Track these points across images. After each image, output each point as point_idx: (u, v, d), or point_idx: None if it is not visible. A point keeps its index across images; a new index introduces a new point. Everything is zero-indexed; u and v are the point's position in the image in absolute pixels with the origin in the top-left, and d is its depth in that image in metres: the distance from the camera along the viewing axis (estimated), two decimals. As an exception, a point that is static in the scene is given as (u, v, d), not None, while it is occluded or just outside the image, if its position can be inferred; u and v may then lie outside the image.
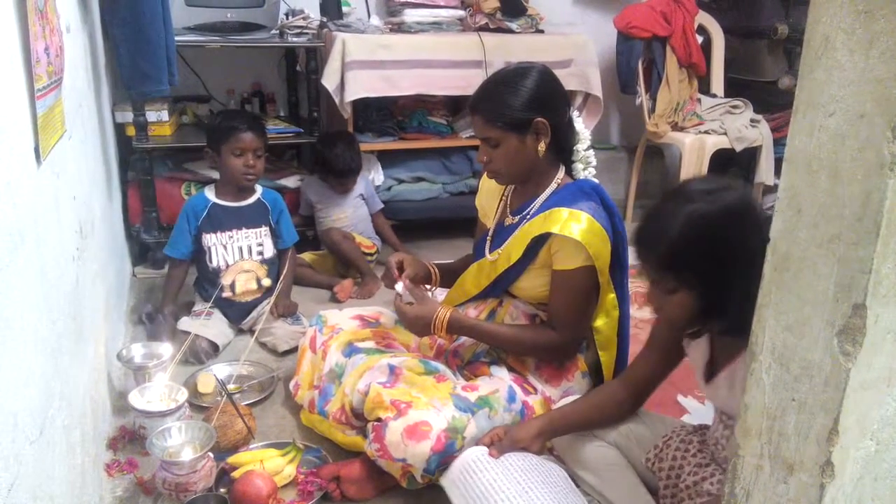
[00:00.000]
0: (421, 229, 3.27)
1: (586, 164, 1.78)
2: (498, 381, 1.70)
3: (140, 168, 2.72)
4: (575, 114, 1.75)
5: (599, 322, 1.77)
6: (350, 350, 1.82)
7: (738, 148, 3.28)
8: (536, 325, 1.74)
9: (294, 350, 2.18)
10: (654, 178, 3.88)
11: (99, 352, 1.77)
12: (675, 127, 3.38)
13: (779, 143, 3.47)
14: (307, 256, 2.89)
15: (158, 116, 2.75)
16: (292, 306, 2.38)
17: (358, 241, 2.87)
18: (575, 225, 1.60)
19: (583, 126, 1.77)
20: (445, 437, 1.50)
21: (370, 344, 1.84)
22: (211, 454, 1.59)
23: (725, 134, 3.29)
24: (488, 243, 1.82)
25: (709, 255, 1.20)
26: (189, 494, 1.51)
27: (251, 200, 2.40)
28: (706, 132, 3.31)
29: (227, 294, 2.33)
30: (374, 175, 3.13)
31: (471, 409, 1.57)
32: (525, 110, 1.61)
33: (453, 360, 1.81)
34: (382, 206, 3.05)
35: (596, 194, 1.68)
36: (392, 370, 1.67)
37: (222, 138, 2.30)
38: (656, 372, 1.51)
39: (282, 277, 2.37)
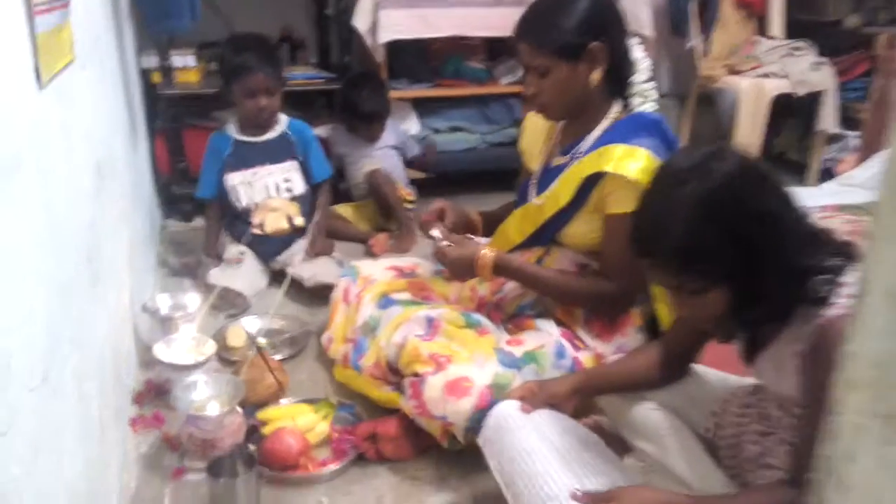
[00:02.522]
0: (458, 182, 3.11)
1: (645, 98, 1.61)
2: (545, 336, 1.56)
3: (167, 116, 2.61)
4: (634, 41, 1.57)
5: None
6: (385, 302, 1.70)
7: (801, 92, 3.04)
8: (588, 273, 1.59)
9: (328, 290, 1.99)
10: (705, 129, 3.64)
11: (122, 300, 1.68)
12: (732, 71, 3.15)
13: (844, 88, 3.23)
14: (340, 209, 2.76)
15: (184, 62, 2.64)
16: (328, 246, 2.26)
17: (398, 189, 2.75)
18: (631, 163, 1.44)
19: (642, 55, 1.59)
20: (489, 393, 1.38)
21: (406, 295, 1.72)
22: (240, 409, 1.49)
23: (786, 77, 3.05)
24: (534, 186, 1.66)
25: (729, 237, 1.02)
26: (216, 451, 1.42)
27: (275, 134, 2.27)
28: (765, 76, 3.07)
29: (256, 231, 2.22)
30: (410, 124, 2.98)
31: (516, 364, 1.45)
32: (578, 34, 1.45)
33: (496, 314, 1.68)
34: (417, 146, 2.91)
35: (657, 129, 1.51)
36: (430, 322, 1.55)
37: (231, 76, 2.17)
38: (694, 338, 1.35)
39: (315, 216, 2.25)
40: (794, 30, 3.36)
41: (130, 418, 1.60)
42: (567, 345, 1.55)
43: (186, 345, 1.68)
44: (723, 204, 1.02)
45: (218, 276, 2.10)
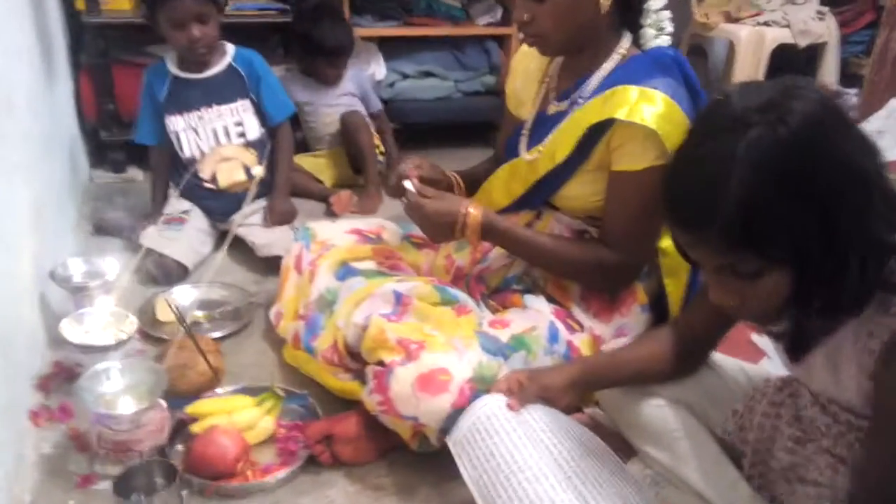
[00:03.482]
0: (428, 135, 2.82)
1: (659, 30, 1.33)
2: (535, 316, 1.31)
3: (93, 50, 2.25)
4: None
5: (666, 242, 1.36)
6: (344, 271, 1.42)
7: (802, 43, 2.80)
8: (587, 240, 1.34)
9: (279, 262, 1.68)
10: (694, 83, 3.40)
11: (22, 268, 1.38)
12: (729, 18, 2.89)
13: (846, 41, 3.00)
14: (298, 160, 2.45)
15: (112, -15, 2.26)
16: (289, 214, 1.94)
17: None
18: (648, 108, 1.17)
19: None
20: (470, 388, 1.12)
21: (370, 265, 1.45)
22: (164, 403, 1.22)
23: (787, 27, 2.80)
24: (524, 138, 1.39)
25: (805, 203, 0.76)
26: (132, 455, 1.15)
27: (220, 68, 1.92)
28: (765, 24, 2.82)
29: (209, 185, 1.91)
30: (375, 68, 2.65)
31: (503, 351, 1.20)
32: None
33: (476, 287, 1.42)
34: (381, 106, 2.58)
35: (677, 68, 1.25)
36: (399, 299, 1.28)
37: (154, 3, 1.80)
38: (718, 320, 1.09)
39: (277, 167, 1.94)
40: (794, -24, 3.11)
41: (31, 410, 1.31)
42: (560, 326, 1.30)
43: (103, 321, 1.39)
44: (804, 156, 0.76)
45: (153, 238, 1.79)
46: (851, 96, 3.17)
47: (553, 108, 1.35)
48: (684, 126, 1.18)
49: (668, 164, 0.88)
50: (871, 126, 3.06)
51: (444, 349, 1.15)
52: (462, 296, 1.35)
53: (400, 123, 2.73)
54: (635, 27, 1.32)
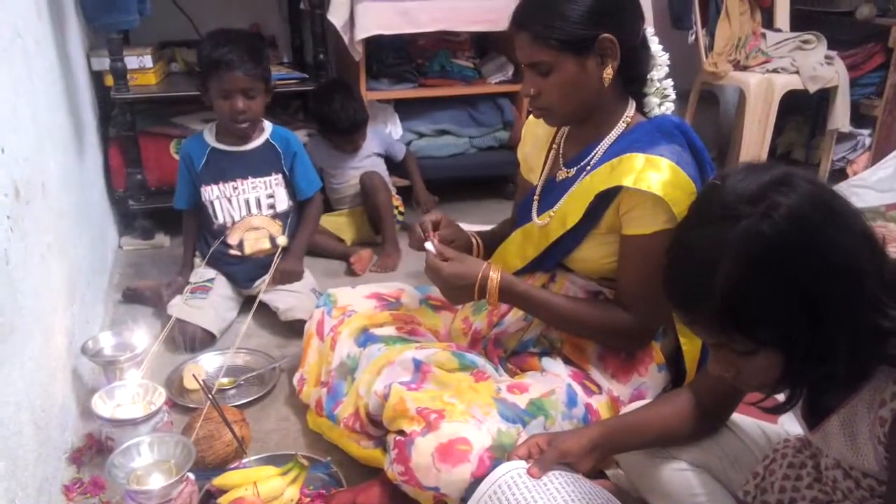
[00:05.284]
0: (445, 190, 2.87)
1: (663, 98, 1.37)
2: (553, 379, 1.33)
3: (121, 123, 2.35)
4: (649, 31, 1.35)
5: None
6: (365, 338, 1.46)
7: (812, 89, 2.83)
8: (603, 302, 1.36)
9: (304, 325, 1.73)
10: (706, 130, 3.43)
11: (56, 344, 1.43)
12: (737, 66, 2.93)
13: (856, 84, 3.03)
14: (322, 220, 2.51)
15: (141, 62, 2.37)
16: (294, 273, 1.98)
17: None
18: (654, 175, 1.21)
19: (660, 48, 1.36)
20: (490, 457, 1.14)
21: (389, 330, 1.48)
22: (191, 475, 1.25)
23: (796, 73, 2.84)
24: (535, 204, 1.43)
25: (791, 293, 0.80)
26: (162, 530, 1.18)
27: (258, 143, 2.00)
28: (774, 71, 2.86)
29: (234, 252, 1.97)
30: (391, 128, 2.73)
31: (521, 418, 1.21)
32: (588, 24, 1.21)
33: (494, 351, 1.44)
34: (404, 148, 2.66)
35: (681, 134, 1.28)
36: (418, 366, 1.31)
37: (207, 73, 1.90)
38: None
39: (299, 233, 2.01)
40: (801, 22, 3.15)
41: (64, 485, 1.35)
42: (578, 388, 1.32)
43: (132, 393, 1.43)
44: (786, 251, 0.79)
45: (180, 308, 1.85)
46: (865, 137, 3.19)
47: (562, 175, 1.39)
48: (690, 189, 1.22)
49: (669, 243, 0.92)
50: (885, 166, 3.07)
51: (464, 418, 1.17)
52: (480, 361, 1.37)
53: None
54: (639, 96, 1.36)
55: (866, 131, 3.16)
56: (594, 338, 1.38)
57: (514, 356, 1.44)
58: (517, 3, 1.29)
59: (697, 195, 1.01)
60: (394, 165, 2.66)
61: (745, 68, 2.92)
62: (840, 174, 3.19)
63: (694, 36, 2.99)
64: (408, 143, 2.79)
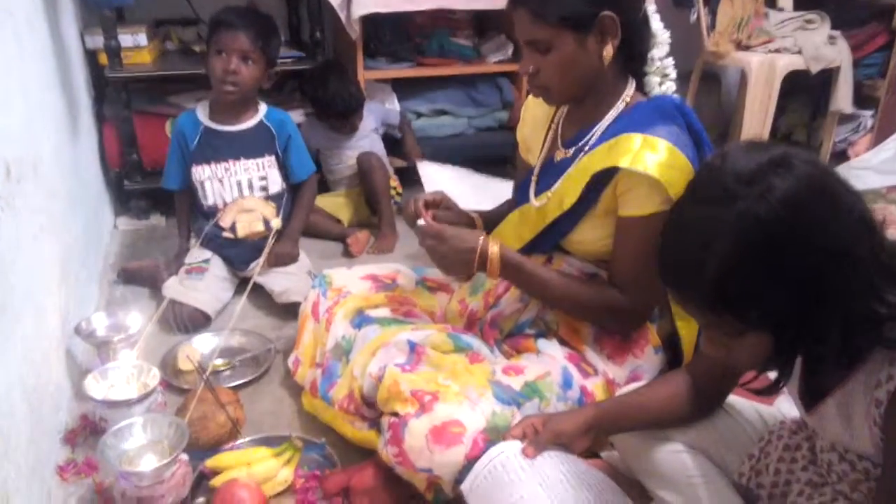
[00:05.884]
0: (443, 171, 2.86)
1: (663, 77, 1.35)
2: (548, 361, 1.32)
3: (115, 102, 2.32)
4: (651, 9, 1.32)
5: None
6: (360, 319, 1.45)
7: (815, 69, 2.79)
8: (599, 282, 1.35)
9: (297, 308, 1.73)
10: (707, 111, 3.39)
11: (49, 324, 1.42)
12: (739, 46, 2.90)
13: (859, 65, 2.99)
14: (319, 201, 2.49)
15: (135, 41, 2.34)
16: (288, 256, 1.96)
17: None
18: (650, 156, 1.19)
19: (661, 26, 1.33)
20: (483, 439, 1.13)
21: (385, 311, 1.47)
22: (185, 456, 1.24)
23: (799, 53, 2.80)
24: (533, 184, 1.42)
25: (784, 277, 0.78)
26: (155, 510, 1.18)
27: (251, 123, 1.98)
28: (776, 51, 2.82)
29: (227, 234, 1.96)
30: (389, 108, 2.70)
31: (516, 400, 1.21)
32: (588, 1, 1.19)
33: (490, 332, 1.43)
34: (398, 110, 2.67)
35: (680, 115, 1.26)
36: (413, 348, 1.31)
37: (210, 34, 1.88)
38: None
39: (293, 216, 1.99)
40: (804, 1, 3.10)
41: (58, 465, 1.34)
42: (574, 370, 1.31)
43: (126, 374, 1.42)
44: (781, 234, 0.78)
45: (175, 289, 1.84)
46: (867, 118, 3.16)
47: (560, 155, 1.38)
48: (688, 171, 1.20)
49: (665, 223, 0.90)
50: (887, 148, 3.05)
51: (458, 400, 1.17)
52: (475, 342, 1.36)
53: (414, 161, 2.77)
54: (639, 75, 1.34)
55: (868, 112, 3.12)
56: (589, 318, 1.37)
57: (509, 338, 1.43)
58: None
59: (695, 173, 0.99)
60: (392, 144, 2.64)
61: (747, 48, 2.88)
62: (841, 156, 3.17)
63: (696, 14, 2.95)
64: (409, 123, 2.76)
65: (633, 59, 1.30)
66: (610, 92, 1.31)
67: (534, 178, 1.42)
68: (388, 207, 2.41)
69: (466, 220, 1.47)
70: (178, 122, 1.97)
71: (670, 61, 1.35)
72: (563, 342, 1.38)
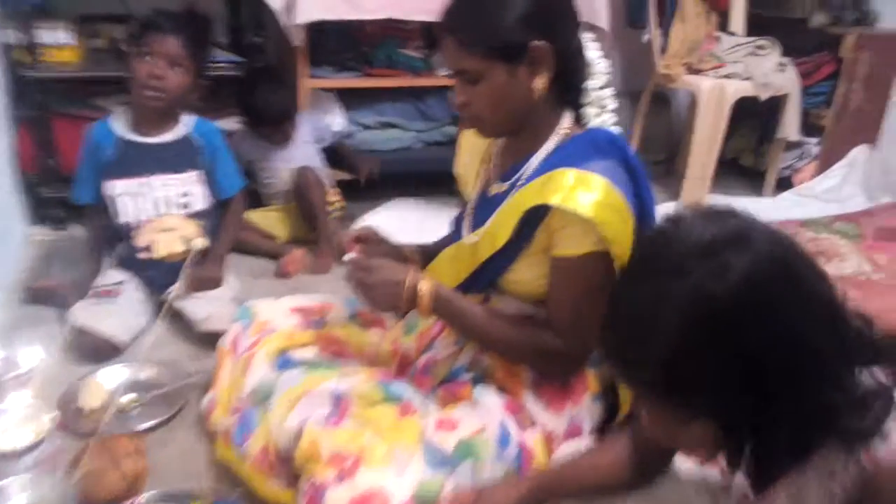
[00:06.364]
0: (389, 186, 2.75)
1: (601, 109, 1.29)
2: (485, 413, 1.23)
3: (32, 102, 2.14)
4: (588, 37, 1.26)
5: None
6: (283, 361, 1.33)
7: (764, 96, 2.79)
8: (534, 323, 1.26)
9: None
10: (657, 132, 3.37)
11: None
12: (691, 69, 2.88)
13: (806, 93, 3.01)
14: (251, 215, 2.36)
15: (56, 38, 2.17)
16: (211, 280, 1.82)
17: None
18: (584, 194, 1.12)
19: (598, 55, 1.27)
20: (410, 509, 1.03)
21: (311, 352, 1.36)
22: (74, 518, 1.11)
23: (749, 79, 2.79)
24: (468, 220, 1.33)
25: (732, 362, 0.71)
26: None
27: (174, 136, 1.83)
28: (727, 76, 2.81)
29: (144, 255, 1.80)
30: (333, 119, 2.58)
31: (448, 463, 1.11)
32: (518, 29, 1.13)
33: (423, 379, 1.34)
34: (337, 130, 2.56)
35: (615, 149, 1.20)
36: (337, 400, 1.20)
37: (137, 36, 1.74)
38: None
39: (220, 236, 1.86)
40: (756, 27, 3.10)
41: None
42: (512, 425, 1.22)
43: (18, 417, 1.27)
44: (736, 317, 0.70)
45: (82, 314, 1.68)
46: (812, 146, 3.18)
47: (494, 189, 1.30)
48: (622, 210, 1.14)
49: (610, 294, 0.82)
50: (832, 176, 3.07)
51: (383, 464, 1.07)
52: (407, 392, 1.26)
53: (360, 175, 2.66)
54: (576, 105, 1.27)
55: (814, 140, 3.15)
56: (523, 360, 1.28)
57: (444, 384, 1.34)
58: (444, 5, 1.18)
59: (642, 239, 0.91)
60: (334, 155, 2.53)
61: (697, 72, 2.86)
62: (786, 182, 3.18)
63: (648, 35, 2.92)
64: (350, 136, 2.64)
65: (569, 91, 1.24)
66: (546, 124, 1.23)
67: (468, 213, 1.34)
68: (325, 224, 2.29)
69: (400, 256, 1.38)
70: (90, 132, 1.81)
71: (608, 92, 1.28)
72: (501, 388, 1.30)
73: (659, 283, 0.74)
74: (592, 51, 1.28)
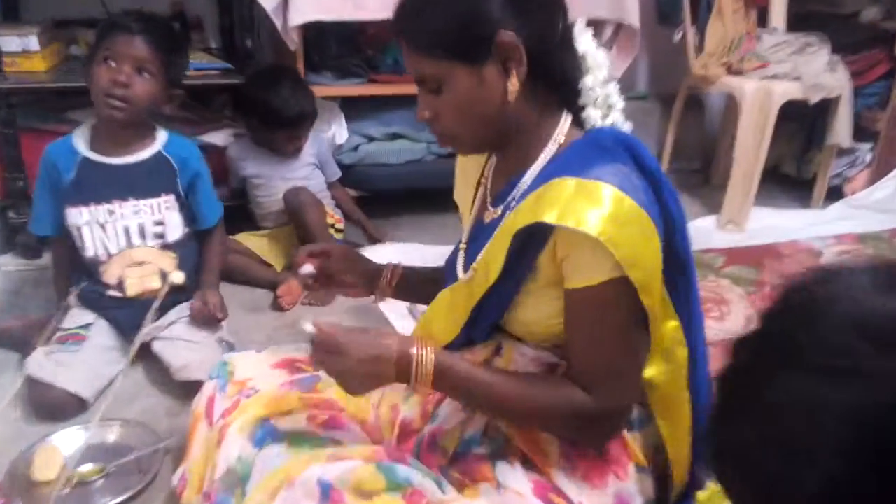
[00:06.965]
0: (399, 203, 2.51)
1: (607, 109, 1.03)
2: (513, 500, 0.98)
3: (-2, 117, 1.93)
4: (579, 25, 1.02)
5: (653, 370, 1.04)
6: (263, 434, 1.08)
7: (814, 99, 2.51)
8: (557, 379, 1.01)
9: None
10: (690, 138, 3.10)
11: None
12: (730, 70, 2.61)
13: (859, 94, 2.72)
14: (245, 239, 2.13)
15: (23, 44, 1.95)
16: (213, 319, 1.59)
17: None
18: (586, 207, 0.87)
19: (592, 45, 1.02)
20: None
21: (298, 421, 1.11)
22: None
23: (798, 80, 2.52)
24: (462, 255, 1.10)
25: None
26: None
27: (145, 154, 1.60)
28: (773, 76, 2.53)
29: (113, 293, 1.58)
30: (335, 131, 2.34)
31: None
32: (476, 21, 0.92)
33: (431, 457, 1.08)
34: (340, 174, 2.29)
35: (625, 150, 0.96)
36: (326, 492, 0.94)
37: (98, 38, 1.52)
38: None
39: (205, 267, 1.65)
40: (799, 22, 2.83)
41: None
42: (549, 514, 0.97)
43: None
44: None
45: (39, 363, 1.45)
46: (865, 152, 2.89)
47: (489, 215, 1.07)
48: (640, 223, 0.89)
49: (718, 395, 0.55)
50: (886, 185, 2.78)
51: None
52: (415, 476, 1.00)
53: (365, 191, 2.43)
54: (574, 106, 1.03)
55: (867, 146, 2.86)
56: (547, 428, 1.03)
57: (457, 461, 1.08)
58: (395, 3, 0.97)
59: (766, 312, 0.61)
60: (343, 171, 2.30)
61: (738, 73, 2.59)
62: (835, 192, 2.90)
63: (682, 33, 2.66)
64: (355, 148, 2.41)
65: (559, 89, 1.00)
66: (538, 133, 1.00)
67: (462, 247, 1.11)
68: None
69: (367, 277, 1.21)
70: (48, 152, 1.59)
71: (613, 88, 1.02)
72: (525, 461, 1.04)
73: (810, 384, 0.47)
74: (585, 42, 1.02)
